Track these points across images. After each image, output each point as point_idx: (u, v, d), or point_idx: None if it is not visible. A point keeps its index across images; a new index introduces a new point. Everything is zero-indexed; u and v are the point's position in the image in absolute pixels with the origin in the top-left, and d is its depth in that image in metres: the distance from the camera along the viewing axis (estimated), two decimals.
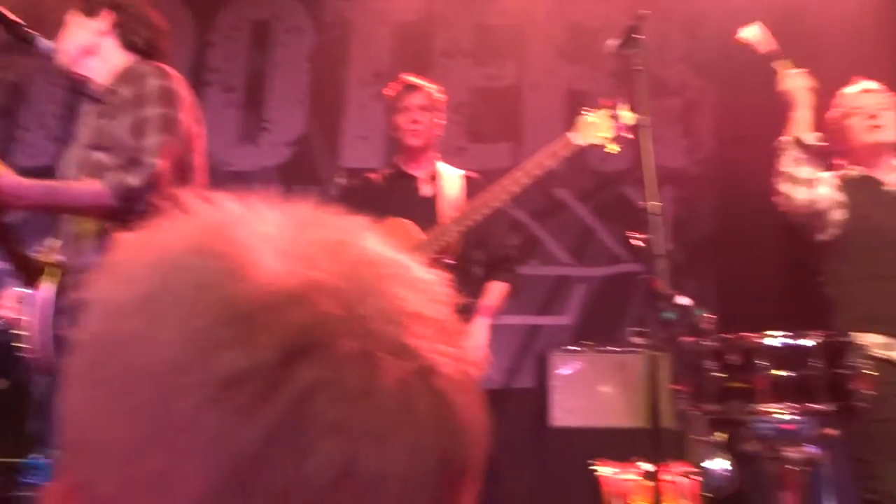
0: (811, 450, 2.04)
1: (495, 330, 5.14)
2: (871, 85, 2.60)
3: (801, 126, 2.46)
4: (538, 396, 4.26)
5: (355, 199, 2.81)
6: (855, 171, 2.55)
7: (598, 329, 4.75)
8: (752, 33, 2.70)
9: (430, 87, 2.88)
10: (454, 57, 5.32)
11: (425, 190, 2.78)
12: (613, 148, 2.31)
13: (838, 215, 2.48)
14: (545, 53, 5.33)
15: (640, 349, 4.06)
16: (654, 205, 2.00)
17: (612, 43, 2.21)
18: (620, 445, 3.48)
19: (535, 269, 5.08)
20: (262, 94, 5.19)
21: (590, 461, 3.15)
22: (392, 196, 2.74)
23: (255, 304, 0.37)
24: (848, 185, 2.51)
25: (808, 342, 1.92)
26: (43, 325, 1.86)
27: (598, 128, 2.32)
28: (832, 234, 2.50)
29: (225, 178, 5.04)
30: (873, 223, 2.45)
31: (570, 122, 5.22)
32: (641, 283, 1.98)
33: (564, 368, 4.10)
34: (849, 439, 2.30)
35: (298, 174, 5.10)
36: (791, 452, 1.99)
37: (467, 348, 0.44)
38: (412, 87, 2.84)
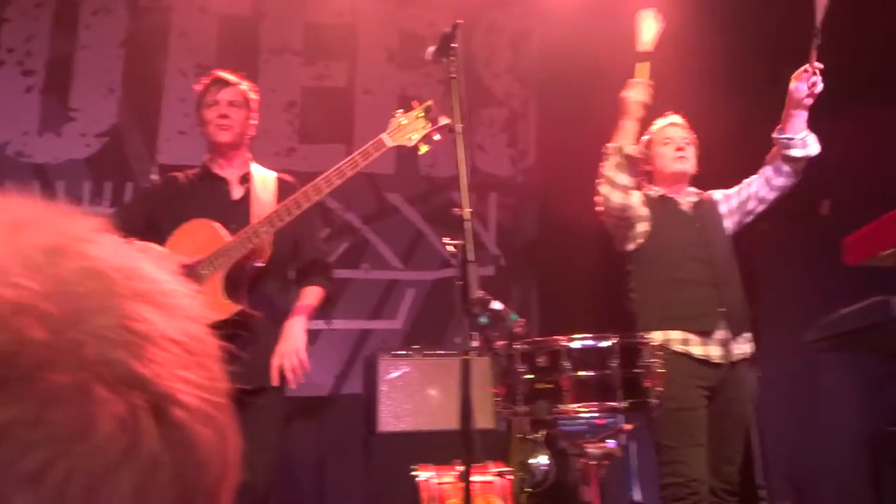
0: (610, 445, 2.16)
1: (325, 335, 5.10)
2: (678, 119, 2.88)
3: (627, 136, 2.62)
4: (366, 402, 4.21)
5: (159, 201, 2.64)
6: (655, 191, 2.80)
7: (427, 333, 4.79)
8: (648, 20, 2.81)
9: (243, 84, 2.71)
10: (283, 55, 5.16)
11: (236, 192, 2.62)
12: (424, 149, 2.32)
13: (642, 227, 2.72)
14: (377, 57, 5.32)
15: (475, 351, 4.15)
16: (467, 211, 2.02)
17: (430, 50, 2.22)
18: (446, 448, 3.51)
19: (366, 273, 5.04)
20: (68, 80, 4.71)
21: (412, 466, 3.14)
22: (200, 198, 2.59)
23: None
24: (650, 202, 2.75)
25: (606, 343, 2.04)
26: None
27: (409, 129, 2.30)
28: (637, 244, 2.73)
29: (24, 170, 4.52)
30: (671, 237, 2.69)
31: None
32: (457, 289, 1.98)
33: (393, 373, 4.09)
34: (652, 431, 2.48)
35: (109, 168, 4.67)
36: (591, 448, 2.10)
37: (218, 370, 0.39)
38: (222, 82, 2.67)
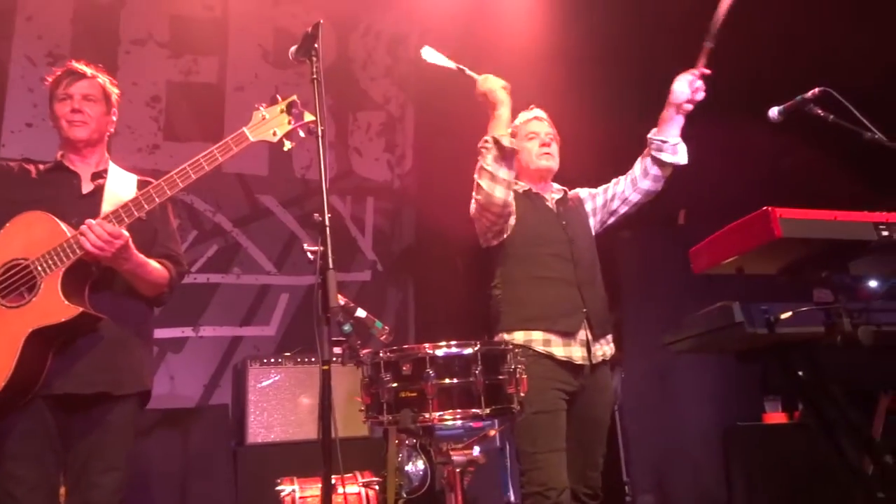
0: (475, 452, 2.16)
1: (193, 343, 4.83)
2: (542, 114, 2.78)
3: (502, 124, 2.48)
4: (235, 412, 4.03)
5: (7, 182, 2.35)
6: (520, 185, 2.68)
7: (301, 340, 4.65)
8: (429, 55, 2.77)
9: (101, 77, 2.49)
10: (146, 45, 4.86)
11: (86, 187, 2.41)
12: (288, 145, 2.21)
13: (511, 222, 2.59)
14: (249, 54, 5.13)
15: (338, 360, 4.07)
16: (326, 217, 1.95)
17: (293, 50, 2.13)
18: (317, 459, 3.41)
19: (237, 278, 4.84)
20: None
21: (278, 479, 3.03)
22: (44, 188, 2.36)
23: None
24: (516, 197, 2.61)
25: (469, 351, 2.03)
26: None
27: (273, 123, 2.19)
28: (501, 239, 2.60)
29: None
30: (537, 232, 2.59)
31: None
32: (316, 297, 1.90)
33: (263, 381, 3.93)
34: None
35: None
36: (456, 455, 2.09)
37: None
38: (76, 74, 2.43)
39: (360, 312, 2.58)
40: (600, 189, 2.79)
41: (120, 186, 2.37)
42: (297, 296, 4.90)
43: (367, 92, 5.42)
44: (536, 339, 2.44)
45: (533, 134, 2.70)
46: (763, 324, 1.71)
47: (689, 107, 2.54)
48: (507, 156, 2.45)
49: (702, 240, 1.99)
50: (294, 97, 2.22)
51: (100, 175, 2.42)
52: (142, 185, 2.40)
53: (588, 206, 2.77)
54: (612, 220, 2.78)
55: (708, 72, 2.50)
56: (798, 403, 3.92)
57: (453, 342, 2.10)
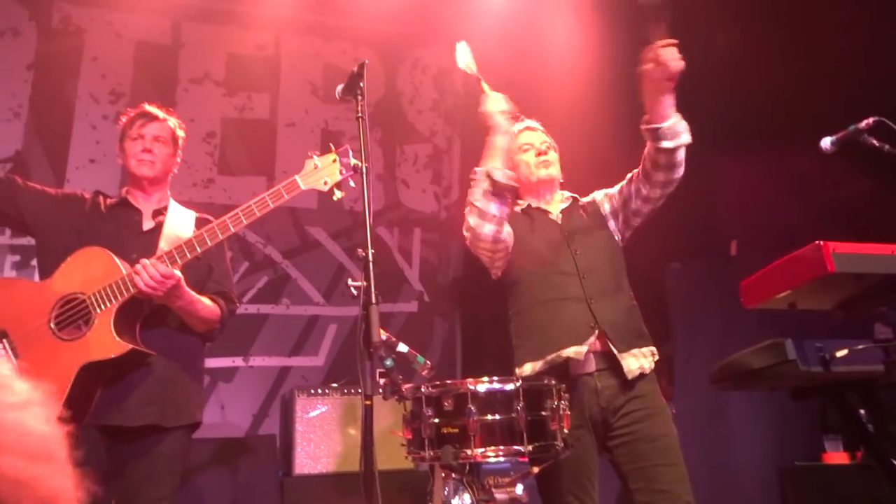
0: (517, 490, 2.12)
1: (243, 373, 4.91)
2: (534, 123, 2.59)
3: (494, 154, 2.30)
4: (283, 443, 4.06)
5: (77, 213, 2.48)
6: (520, 204, 2.51)
7: (349, 370, 4.68)
8: (461, 53, 2.59)
9: (171, 120, 2.62)
10: (203, 84, 5.05)
11: (147, 224, 2.51)
12: (338, 194, 2.26)
13: (509, 248, 2.40)
14: (300, 91, 5.27)
15: (380, 394, 4.07)
16: (370, 252, 1.97)
17: (339, 89, 2.18)
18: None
19: (286, 308, 4.92)
20: None
21: None
22: (106, 222, 2.46)
23: None
24: (513, 219, 2.43)
25: (511, 386, 2.01)
26: None
27: (324, 172, 2.25)
28: (500, 267, 2.44)
29: None
30: (538, 251, 2.38)
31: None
32: (359, 332, 1.92)
33: (310, 412, 3.96)
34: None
35: None
36: (499, 493, 2.05)
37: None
38: (148, 116, 2.57)
39: (402, 347, 2.58)
40: (615, 189, 2.51)
41: (178, 224, 2.47)
42: (345, 326, 4.94)
43: (415, 125, 5.49)
44: (569, 353, 2.24)
45: (527, 146, 2.52)
46: (818, 362, 1.65)
47: (670, 83, 2.18)
48: (498, 191, 2.25)
49: (754, 271, 1.94)
50: (346, 147, 2.25)
51: (160, 212, 2.52)
52: (199, 222, 2.51)
53: (606, 208, 2.51)
54: (637, 221, 2.49)
55: (673, 42, 2.12)
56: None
57: (495, 378, 2.08)
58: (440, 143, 5.54)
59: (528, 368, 2.31)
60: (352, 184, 2.23)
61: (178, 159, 2.65)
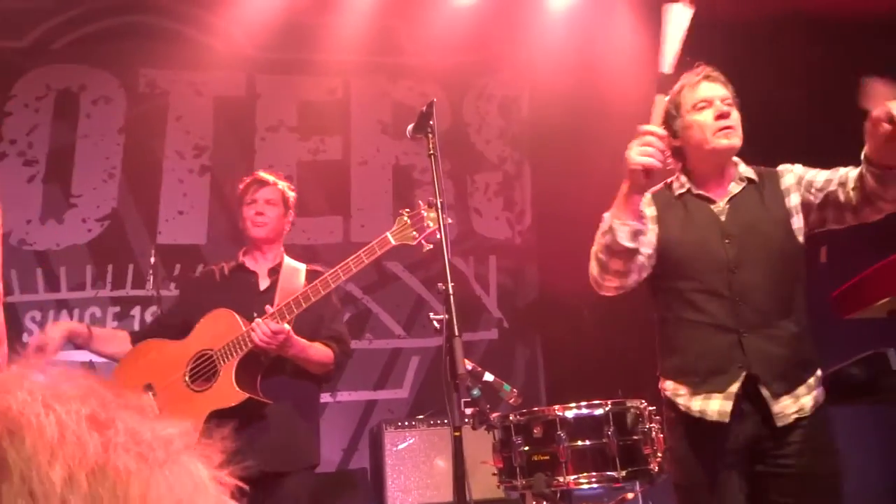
0: None
1: (331, 408, 5.02)
2: (714, 73, 2.06)
3: (624, 207, 1.90)
4: (374, 476, 4.12)
5: (195, 292, 2.80)
6: (677, 186, 2.08)
7: (433, 401, 4.71)
8: (677, 21, 1.90)
9: (281, 183, 2.87)
10: (278, 131, 5.27)
11: (263, 283, 2.74)
12: (427, 245, 2.41)
13: (646, 265, 2.01)
14: (370, 130, 5.43)
15: (469, 423, 4.09)
16: (451, 286, 2.01)
17: (409, 128, 2.26)
18: None
19: (370, 343, 5.01)
20: (69, 168, 4.81)
21: None
22: (230, 290, 2.72)
23: None
24: (663, 207, 2.05)
25: (600, 411, 1.98)
26: None
27: (414, 227, 2.42)
28: (649, 265, 2.03)
29: (26, 258, 4.57)
30: (683, 259, 2.00)
31: (397, 195, 5.36)
32: (444, 364, 1.96)
33: (399, 444, 4.01)
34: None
35: (111, 251, 4.72)
36: None
37: None
38: (261, 182, 2.83)
39: (488, 376, 2.61)
40: (821, 178, 1.97)
41: (291, 280, 2.69)
42: (427, 358, 4.99)
43: (484, 153, 5.55)
44: (682, 393, 1.97)
45: (704, 102, 1.98)
46: None
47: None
48: (615, 251, 1.90)
49: (845, 280, 1.87)
50: (436, 200, 2.28)
51: (276, 270, 2.75)
52: (309, 274, 2.74)
53: (793, 200, 1.99)
54: (833, 226, 2.02)
55: None
56: None
57: (583, 403, 2.07)
58: (510, 169, 5.57)
59: (669, 385, 2.02)
60: (438, 236, 2.32)
61: (291, 219, 2.89)
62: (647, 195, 2.07)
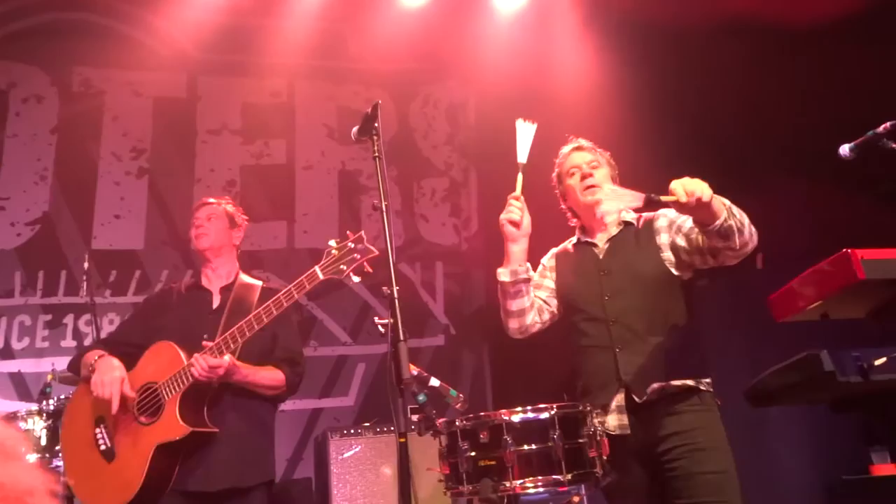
0: None
1: (276, 418, 4.90)
2: (584, 142, 2.46)
3: (507, 259, 2.30)
4: (319, 485, 4.04)
5: (157, 311, 2.79)
6: (573, 239, 2.45)
7: (380, 409, 4.67)
8: (522, 130, 2.41)
9: (224, 203, 2.92)
10: (220, 134, 5.15)
11: (216, 302, 2.77)
12: (355, 278, 2.44)
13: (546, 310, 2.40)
14: (315, 134, 5.36)
15: (414, 430, 4.05)
16: (395, 290, 1.99)
17: (354, 130, 2.24)
18: None
19: (315, 350, 4.93)
20: None
21: None
22: (182, 310, 2.77)
23: None
24: (558, 260, 2.44)
25: (546, 415, 1.98)
26: None
27: (342, 260, 2.42)
28: (552, 307, 2.41)
29: None
30: (573, 297, 2.33)
31: (343, 200, 5.31)
32: (389, 369, 1.93)
33: (345, 453, 3.95)
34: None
35: (42, 257, 4.52)
36: None
37: None
38: (202, 203, 2.91)
39: (434, 382, 2.58)
40: (687, 225, 2.22)
41: (243, 299, 2.72)
42: (373, 365, 4.94)
43: (430, 159, 5.55)
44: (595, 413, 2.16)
45: (574, 168, 2.38)
46: (856, 371, 1.62)
47: (697, 206, 1.92)
48: (506, 291, 2.30)
49: (781, 284, 1.92)
50: (361, 233, 2.41)
51: (228, 288, 2.77)
52: (264, 292, 2.76)
53: (663, 238, 2.28)
54: (700, 265, 2.24)
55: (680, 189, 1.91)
56: None
57: (529, 407, 2.06)
58: (456, 175, 5.58)
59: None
60: (367, 269, 2.37)
61: (240, 233, 2.91)
62: (551, 252, 2.50)
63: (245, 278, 2.81)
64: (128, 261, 4.62)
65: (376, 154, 2.19)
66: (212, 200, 2.89)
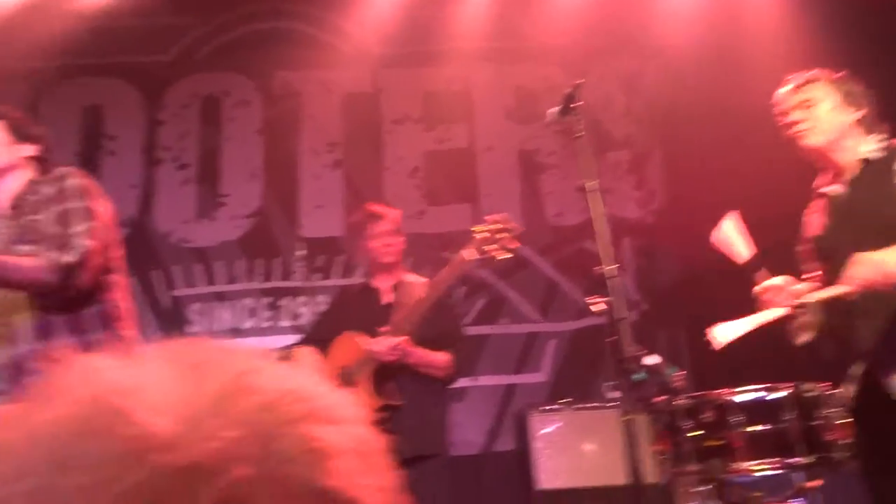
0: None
1: (473, 392, 5.10)
2: (790, 84, 2.25)
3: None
4: (520, 459, 4.16)
5: (336, 310, 3.24)
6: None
7: (573, 385, 4.71)
8: (726, 233, 2.30)
9: (393, 213, 3.19)
10: (404, 123, 5.38)
11: (386, 299, 3.07)
12: (504, 256, 2.66)
13: None
14: (494, 116, 5.44)
15: (617, 404, 4.04)
16: (610, 269, 1.99)
17: (553, 111, 2.25)
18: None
19: (505, 327, 5.05)
20: (217, 169, 5.12)
21: None
22: (358, 307, 3.12)
23: (160, 488, 0.35)
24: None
25: (778, 395, 1.89)
26: None
27: (487, 242, 2.62)
28: None
29: (187, 255, 4.91)
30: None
31: (524, 180, 5.36)
32: (609, 348, 1.95)
33: (545, 428, 4.03)
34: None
35: (259, 247, 5.01)
36: None
37: (387, 467, 0.44)
38: (377, 216, 3.14)
39: (652, 359, 2.58)
40: None
41: (410, 295, 2.97)
42: (564, 342, 4.98)
43: (611, 133, 5.45)
44: None
45: (782, 115, 2.18)
46: None
47: None
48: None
49: None
50: (504, 215, 2.68)
51: (397, 287, 3.08)
52: (425, 286, 3.00)
53: None
54: None
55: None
56: None
57: (760, 385, 2.00)
58: (638, 148, 5.44)
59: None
60: (511, 248, 2.63)
61: (402, 239, 3.21)
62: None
63: (410, 277, 3.11)
64: (331, 247, 4.99)
65: (580, 133, 2.22)
66: (387, 212, 3.17)
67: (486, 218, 2.68)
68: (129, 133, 5.10)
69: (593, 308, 2.26)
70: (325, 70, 5.27)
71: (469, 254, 2.66)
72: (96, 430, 0.36)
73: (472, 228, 2.68)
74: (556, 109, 2.36)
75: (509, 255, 2.68)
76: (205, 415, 0.37)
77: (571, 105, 2.32)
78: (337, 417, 0.41)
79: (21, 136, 2.16)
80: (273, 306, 4.91)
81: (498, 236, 2.62)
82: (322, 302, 4.84)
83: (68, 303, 1.96)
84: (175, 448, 0.35)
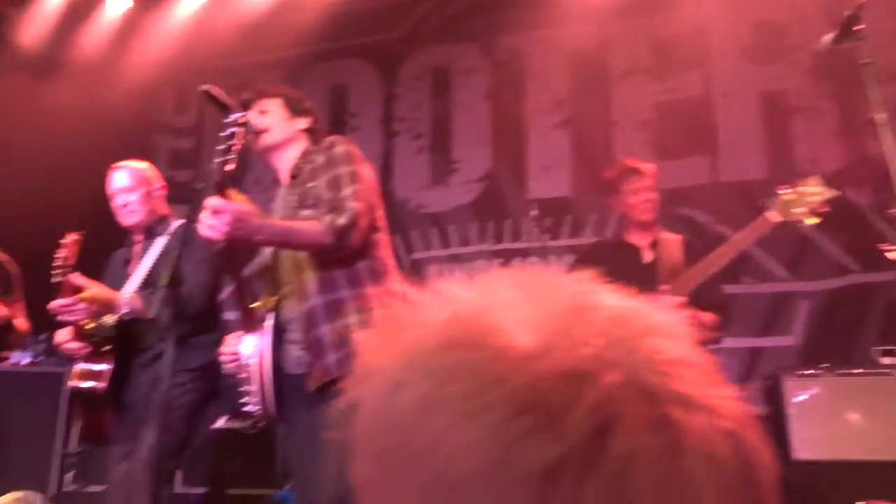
0: None
1: (716, 354, 4.79)
2: None
3: None
4: (774, 425, 3.87)
5: (590, 266, 3.10)
6: None
7: (830, 350, 4.26)
8: None
9: (651, 168, 3.11)
10: (634, 75, 5.16)
11: (646, 257, 2.99)
12: (812, 221, 2.47)
13: None
14: (731, 57, 5.01)
15: (890, 371, 3.58)
16: None
17: (827, 39, 1.98)
18: (882, 481, 3.06)
19: (748, 287, 4.70)
20: (448, 137, 5.35)
21: (858, 500, 2.77)
22: (617, 264, 2.97)
23: (543, 390, 0.37)
24: None
25: None
26: (265, 376, 2.04)
27: (795, 204, 2.47)
28: None
29: (423, 220, 5.22)
30: None
31: (769, 125, 4.87)
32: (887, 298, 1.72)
33: (801, 394, 3.70)
34: None
35: (490, 209, 5.17)
36: None
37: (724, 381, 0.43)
38: (637, 171, 3.07)
39: None
40: None
41: (670, 252, 2.93)
42: (818, 303, 4.51)
43: (882, 64, 4.75)
44: None
45: None
46: None
47: None
48: None
49: None
50: (817, 176, 2.46)
51: (655, 244, 3.02)
52: (686, 244, 3.00)
53: None
54: None
55: None
56: None
57: None
58: None
59: None
60: (822, 210, 2.41)
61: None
62: None
63: (667, 234, 3.01)
64: (560, 207, 4.98)
65: (866, 60, 1.96)
66: (646, 167, 3.08)
67: (797, 180, 2.57)
68: (368, 108, 5.50)
69: (889, 255, 2.12)
70: (549, 29, 5.22)
71: (773, 215, 2.57)
72: (466, 343, 0.40)
73: (779, 191, 2.56)
74: (829, 36, 2.14)
75: (818, 221, 2.53)
76: (567, 326, 0.40)
77: (854, 28, 2.07)
78: (674, 333, 0.42)
79: (296, 111, 2.38)
80: (505, 267, 5.05)
81: (808, 199, 2.51)
82: (552, 262, 4.87)
83: (344, 260, 2.13)
84: (549, 355, 0.38)
